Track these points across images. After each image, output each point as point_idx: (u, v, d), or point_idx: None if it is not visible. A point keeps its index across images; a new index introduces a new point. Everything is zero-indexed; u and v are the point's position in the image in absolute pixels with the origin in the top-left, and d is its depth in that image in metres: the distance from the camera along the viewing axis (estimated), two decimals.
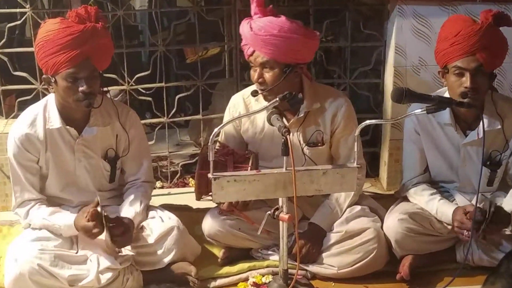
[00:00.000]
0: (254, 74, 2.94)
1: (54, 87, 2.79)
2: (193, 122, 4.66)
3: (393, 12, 3.76)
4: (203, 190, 2.83)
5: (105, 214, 2.69)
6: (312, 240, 3.00)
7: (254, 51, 2.91)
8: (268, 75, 2.91)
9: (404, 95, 2.63)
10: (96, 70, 2.78)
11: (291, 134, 3.00)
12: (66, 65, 2.70)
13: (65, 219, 2.83)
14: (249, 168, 2.80)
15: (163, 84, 4.08)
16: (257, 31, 2.88)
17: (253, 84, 3.04)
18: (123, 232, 2.74)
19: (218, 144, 3.03)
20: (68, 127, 2.88)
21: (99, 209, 2.68)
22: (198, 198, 2.87)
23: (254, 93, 3.00)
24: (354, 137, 2.62)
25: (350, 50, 4.06)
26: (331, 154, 3.14)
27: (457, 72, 2.83)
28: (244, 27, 2.93)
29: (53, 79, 2.75)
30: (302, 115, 3.02)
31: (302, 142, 3.06)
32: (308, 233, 3.04)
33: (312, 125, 3.07)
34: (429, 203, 3.02)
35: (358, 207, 3.09)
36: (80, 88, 2.73)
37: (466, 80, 2.79)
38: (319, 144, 3.08)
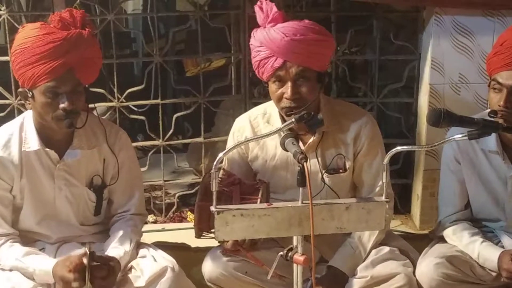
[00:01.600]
0: (285, 90, 2.91)
1: (31, 103, 2.81)
2: (192, 146, 4.67)
3: (430, 21, 3.78)
4: (204, 225, 2.83)
5: (91, 251, 2.68)
6: (331, 287, 2.98)
7: (284, 62, 2.92)
8: (305, 88, 2.91)
9: (442, 118, 2.64)
10: (80, 85, 2.80)
11: (309, 160, 3.01)
12: (46, 77, 2.72)
13: (42, 263, 2.80)
14: (258, 200, 2.80)
15: (158, 101, 4.09)
16: (292, 36, 2.88)
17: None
18: (107, 275, 2.73)
19: (222, 172, 3.03)
20: (47, 149, 2.89)
21: (85, 261, 2.67)
22: (198, 235, 2.87)
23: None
24: (380, 163, 2.62)
25: (378, 64, 4.07)
26: (354, 182, 3.14)
27: (496, 87, 2.85)
28: (273, 35, 2.90)
29: (30, 93, 2.77)
30: (318, 136, 3.02)
31: (321, 168, 3.06)
32: (327, 278, 3.02)
33: (332, 148, 3.08)
34: (469, 246, 3.01)
35: (386, 249, 3.07)
36: (61, 105, 2.74)
37: (501, 97, 2.82)
38: (341, 171, 3.08)
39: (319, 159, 3.06)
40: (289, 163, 3.05)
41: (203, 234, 2.87)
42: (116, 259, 2.81)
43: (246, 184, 2.92)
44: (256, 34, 2.98)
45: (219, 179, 2.89)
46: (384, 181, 2.52)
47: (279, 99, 2.94)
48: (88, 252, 2.66)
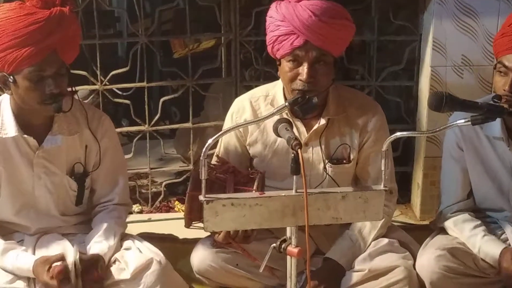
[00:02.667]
0: (301, 71, 2.88)
1: (12, 88, 2.78)
2: (180, 131, 4.66)
3: None
4: (194, 215, 2.82)
5: (77, 257, 2.70)
6: (327, 280, 2.98)
7: (306, 42, 2.87)
8: (321, 73, 2.89)
9: (444, 102, 2.63)
10: (63, 66, 2.79)
11: (311, 147, 2.99)
12: (29, 61, 2.69)
13: (20, 262, 2.81)
14: (253, 191, 2.79)
15: (144, 83, 4.08)
16: (321, 16, 2.85)
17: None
18: (96, 279, 2.75)
19: (215, 158, 3.02)
20: (26, 136, 2.88)
21: (69, 265, 2.67)
22: (188, 225, 2.86)
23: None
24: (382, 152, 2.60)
25: (376, 45, 4.07)
26: (357, 174, 3.14)
27: (501, 70, 2.85)
28: (299, 11, 2.84)
29: (12, 78, 2.75)
30: (323, 123, 3.01)
31: (324, 157, 3.05)
32: (323, 271, 3.02)
33: (337, 136, 3.07)
34: (470, 239, 3.01)
35: (385, 240, 3.07)
36: (48, 89, 2.73)
37: (507, 81, 2.81)
38: (345, 161, 3.08)
39: (323, 147, 3.05)
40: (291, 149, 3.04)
41: (193, 224, 2.86)
42: (100, 256, 2.82)
43: (241, 173, 2.91)
44: (279, 7, 2.93)
45: (213, 166, 2.87)
46: (383, 168, 2.51)
47: (291, 80, 2.91)
48: (76, 258, 2.69)
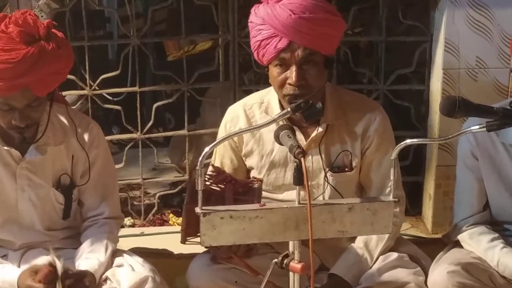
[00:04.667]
0: (289, 75, 2.88)
1: None
2: (175, 139, 4.66)
3: None
4: (192, 230, 2.81)
5: (64, 267, 2.68)
6: None
7: (289, 43, 2.88)
8: (311, 74, 2.89)
9: (457, 107, 2.63)
10: (38, 99, 2.78)
11: (310, 155, 2.99)
12: None
13: (5, 274, 2.81)
14: (255, 201, 2.78)
15: (136, 88, 4.09)
16: (300, 13, 2.86)
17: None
18: None
19: (211, 168, 3.02)
20: (7, 148, 2.88)
21: (59, 270, 2.66)
22: (184, 240, 2.86)
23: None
24: (390, 161, 2.61)
25: (385, 46, 4.07)
26: (361, 183, 3.14)
27: None
28: (278, 11, 2.86)
29: None
30: (322, 129, 3.02)
31: (324, 165, 3.05)
32: (328, 283, 3.02)
33: (337, 143, 3.07)
34: (488, 252, 3.00)
35: (394, 255, 3.07)
36: (13, 122, 2.75)
37: None
38: (346, 169, 3.08)
39: (323, 155, 3.05)
40: (288, 159, 3.04)
41: (189, 239, 2.86)
42: (90, 272, 2.81)
43: (239, 183, 2.91)
44: (257, 10, 2.94)
45: (208, 176, 2.88)
46: (392, 178, 2.51)
47: (281, 85, 2.92)
48: (56, 260, 2.66)
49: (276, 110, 3.05)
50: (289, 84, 2.89)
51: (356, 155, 3.08)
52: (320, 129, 3.02)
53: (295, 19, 2.84)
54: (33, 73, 2.69)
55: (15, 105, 2.73)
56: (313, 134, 3.02)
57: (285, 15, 2.85)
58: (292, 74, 2.88)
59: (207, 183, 2.82)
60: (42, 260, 2.86)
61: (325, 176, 3.05)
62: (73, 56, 2.88)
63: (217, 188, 2.85)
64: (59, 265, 2.67)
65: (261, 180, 2.93)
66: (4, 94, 2.70)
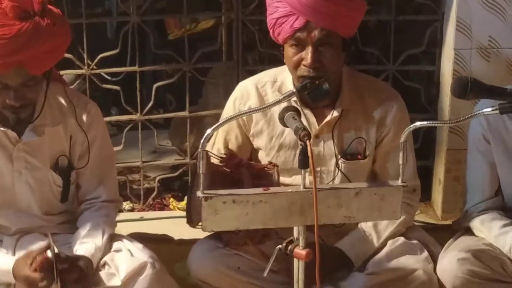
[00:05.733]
0: (304, 56, 2.87)
1: None
2: (176, 121, 4.66)
3: None
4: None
5: (56, 252, 2.68)
6: (326, 260, 2.80)
7: (306, 23, 2.86)
8: (327, 56, 2.88)
9: (469, 88, 2.63)
10: (34, 78, 2.78)
11: (322, 140, 2.99)
12: None
13: (0, 263, 2.82)
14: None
15: (136, 68, 4.09)
16: None
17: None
18: (78, 279, 2.73)
19: (224, 150, 3.03)
20: (3, 128, 2.89)
21: (49, 254, 2.67)
22: (196, 224, 2.86)
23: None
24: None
25: (394, 25, 4.06)
26: (375, 172, 3.15)
27: None
28: None
29: None
30: (337, 114, 3.01)
31: (336, 152, 3.05)
32: (326, 252, 2.91)
33: (352, 129, 3.07)
34: (500, 238, 3.01)
35: (401, 239, 3.08)
36: (7, 101, 2.75)
37: None
38: (359, 157, 3.08)
39: (336, 141, 3.06)
40: (299, 142, 3.04)
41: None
42: (86, 257, 2.82)
43: (254, 167, 2.91)
44: None
45: (219, 158, 2.88)
46: (401, 162, 2.52)
47: (296, 66, 2.91)
48: (52, 245, 2.67)
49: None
50: (304, 65, 2.88)
51: (371, 143, 3.08)
52: (335, 113, 3.02)
53: None
54: (28, 50, 2.69)
55: (10, 83, 2.73)
56: (327, 118, 3.02)
57: None
58: (307, 55, 2.87)
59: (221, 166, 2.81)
60: (36, 246, 2.88)
61: (337, 162, 3.05)
62: (70, 33, 2.88)
63: (234, 172, 2.85)
64: (50, 251, 2.68)
65: (276, 165, 2.92)
66: None
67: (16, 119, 2.82)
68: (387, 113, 3.07)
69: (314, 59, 2.86)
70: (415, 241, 3.10)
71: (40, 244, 2.87)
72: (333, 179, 3.06)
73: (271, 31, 2.97)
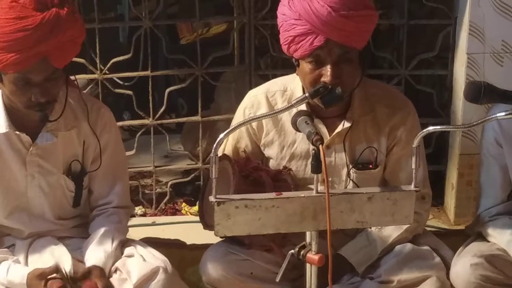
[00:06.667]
0: (324, 72, 2.84)
1: (1, 85, 2.81)
2: (188, 126, 4.67)
3: None
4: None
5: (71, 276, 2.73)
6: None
7: (326, 41, 2.84)
8: (347, 72, 2.86)
9: (482, 93, 2.62)
10: (56, 71, 2.79)
11: (333, 151, 2.99)
12: (15, 67, 2.69)
13: (12, 275, 2.82)
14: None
15: (148, 72, 4.10)
16: (341, 11, 2.80)
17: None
18: None
19: (242, 154, 3.03)
20: (18, 132, 2.89)
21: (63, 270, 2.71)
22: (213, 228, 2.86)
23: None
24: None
25: (406, 29, 4.06)
26: (386, 180, 3.14)
27: None
28: (317, 8, 2.79)
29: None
30: (348, 125, 3.01)
31: (348, 162, 3.05)
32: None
33: (363, 139, 3.06)
34: (511, 244, 3.01)
35: (408, 245, 3.06)
36: (34, 97, 2.75)
37: None
38: (371, 166, 3.07)
39: (347, 151, 3.05)
40: (310, 152, 3.02)
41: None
42: (97, 267, 2.83)
43: (270, 171, 2.91)
44: (293, 4, 2.87)
45: (236, 162, 2.89)
46: (414, 167, 2.51)
47: (313, 82, 2.87)
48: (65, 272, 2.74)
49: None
50: (323, 82, 2.84)
51: (382, 152, 3.07)
52: (346, 124, 3.01)
53: (335, 16, 2.79)
54: (51, 40, 2.70)
55: (34, 79, 2.73)
56: (339, 129, 3.02)
57: (325, 12, 2.79)
58: (327, 72, 2.84)
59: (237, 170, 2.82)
60: (49, 257, 2.90)
61: (348, 172, 3.05)
62: (84, 25, 2.89)
63: (254, 175, 2.86)
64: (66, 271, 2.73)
65: (291, 169, 2.93)
66: (23, 66, 2.69)
67: (44, 116, 2.80)
68: (398, 121, 3.05)
69: (334, 76, 2.83)
70: (426, 247, 3.09)
71: (51, 255, 2.90)
72: (345, 188, 3.04)
73: (286, 47, 2.92)
